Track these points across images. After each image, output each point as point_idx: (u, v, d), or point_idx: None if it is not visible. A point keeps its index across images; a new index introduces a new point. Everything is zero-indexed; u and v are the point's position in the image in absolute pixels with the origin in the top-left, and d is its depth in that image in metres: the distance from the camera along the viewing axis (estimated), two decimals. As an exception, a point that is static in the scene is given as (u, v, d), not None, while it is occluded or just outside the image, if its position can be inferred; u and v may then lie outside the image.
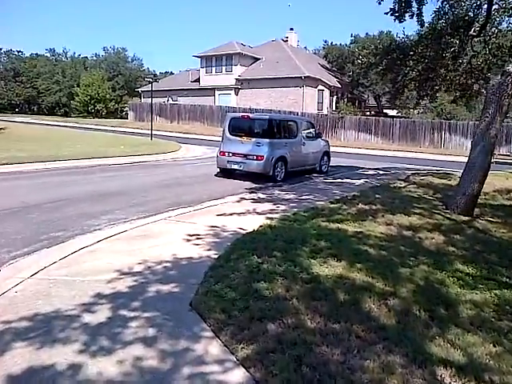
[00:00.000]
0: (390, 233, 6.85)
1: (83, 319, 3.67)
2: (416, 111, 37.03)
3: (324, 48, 51.66)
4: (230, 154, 12.59)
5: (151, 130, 26.21)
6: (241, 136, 12.57)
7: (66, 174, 12.80)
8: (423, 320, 4.00)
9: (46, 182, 11.36)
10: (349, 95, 46.11)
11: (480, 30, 9.25)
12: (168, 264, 5.10)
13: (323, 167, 15.13)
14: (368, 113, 46.97)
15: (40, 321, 3.63)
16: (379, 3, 9.82)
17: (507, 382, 3.08)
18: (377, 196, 9.68)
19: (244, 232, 6.56)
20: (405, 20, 9.97)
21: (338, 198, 9.53)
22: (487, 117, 8.06)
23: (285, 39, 46.90)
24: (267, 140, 12.29)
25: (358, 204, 8.65)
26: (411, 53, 10.19)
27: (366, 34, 48.17)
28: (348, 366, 3.10)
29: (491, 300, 4.42)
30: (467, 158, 8.73)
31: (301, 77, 38.18)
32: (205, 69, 43.78)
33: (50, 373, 2.94)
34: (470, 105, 33.63)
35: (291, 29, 48.50)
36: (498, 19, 9.78)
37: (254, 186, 11.88)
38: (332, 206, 8.49)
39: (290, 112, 34.23)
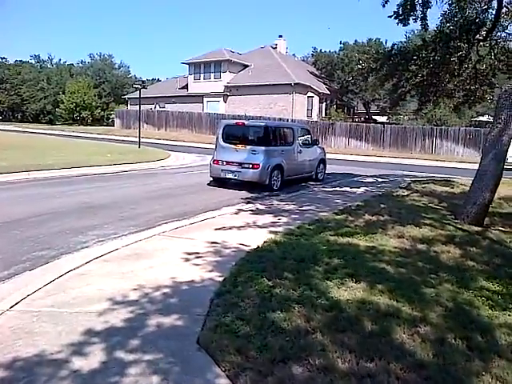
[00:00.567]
0: (403, 246, 6.38)
1: (72, 365, 3.07)
2: (406, 117, 36.87)
3: (313, 55, 51.47)
4: (224, 163, 12.04)
5: (139, 137, 25.51)
6: (235, 144, 12.03)
7: (51, 185, 12.11)
8: (461, 351, 3.55)
9: (29, 194, 10.67)
10: (338, 102, 45.92)
11: (487, 34, 8.91)
12: (167, 290, 4.51)
13: (319, 175, 14.66)
14: (357, 119, 46.86)
15: (20, 369, 3.03)
16: (383, 6, 9.47)
17: None
18: (382, 206, 9.22)
19: (247, 249, 6.01)
20: (409, 24, 9.62)
21: (342, 208, 9.04)
22: (499, 123, 7.66)
23: (274, 46, 46.64)
24: (263, 148, 11.78)
25: (364, 215, 8.16)
26: (414, 57, 9.80)
27: (355, 41, 48.16)
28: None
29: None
30: (478, 166, 8.32)
31: (290, 83, 37.88)
32: (193, 75, 43.24)
33: None
34: (460, 111, 33.69)
35: (280, 36, 48.35)
36: (506, 23, 9.42)
37: (250, 195, 11.35)
38: (337, 217, 7.99)
39: (280, 119, 33.81)
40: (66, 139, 32.62)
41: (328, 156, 16.15)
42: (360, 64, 10.93)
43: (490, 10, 8.90)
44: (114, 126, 48.08)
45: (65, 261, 5.72)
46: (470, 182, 14.84)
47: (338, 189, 12.29)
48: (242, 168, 11.75)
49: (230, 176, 12.06)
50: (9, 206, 9.22)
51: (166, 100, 44.76)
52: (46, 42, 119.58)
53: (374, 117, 48.95)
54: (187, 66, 43.74)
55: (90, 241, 6.78)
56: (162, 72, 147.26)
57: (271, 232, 6.99)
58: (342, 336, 3.56)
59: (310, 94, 40.40)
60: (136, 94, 32.05)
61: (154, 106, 44.70)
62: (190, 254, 5.76)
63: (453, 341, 3.68)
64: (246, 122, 12.87)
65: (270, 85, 38.66)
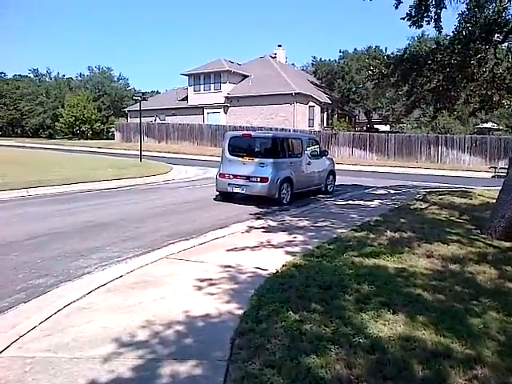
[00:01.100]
0: (435, 267, 5.83)
1: None
2: (410, 126, 36.44)
3: (313, 64, 51.24)
4: (231, 176, 11.51)
5: (140, 150, 25.00)
6: (242, 156, 11.50)
7: (51, 203, 11.57)
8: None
9: (27, 212, 10.13)
10: (339, 111, 45.58)
11: (506, 35, 8.44)
12: (180, 327, 3.95)
13: (329, 187, 14.11)
14: (359, 128, 46.49)
15: None
16: (396, 7, 9.02)
17: None
18: (402, 220, 8.65)
19: (265, 273, 5.45)
20: (422, 26, 9.18)
21: (360, 224, 8.47)
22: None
23: (273, 56, 46.34)
24: (271, 160, 11.25)
25: (386, 231, 7.59)
26: (429, 61, 9.32)
27: (355, 49, 48.07)
28: None
29: None
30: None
31: (291, 93, 37.51)
32: (193, 87, 42.90)
33: None
34: (463, 118, 33.31)
35: (279, 45, 48.02)
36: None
37: (259, 210, 10.79)
38: (357, 234, 7.42)
39: (282, 129, 33.36)
40: (65, 154, 32.14)
41: (334, 167, 15.59)
42: (370, 69, 10.43)
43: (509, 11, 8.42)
44: (114, 139, 47.67)
45: (64, 290, 5.17)
46: (487, 192, 14.60)
47: (350, 202, 11.72)
48: (250, 182, 11.22)
49: (237, 190, 11.52)
50: (3, 226, 8.67)
51: (165, 112, 44.39)
52: (44, 55, 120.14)
53: (375, 126, 48.65)
54: (187, 77, 43.43)
55: (91, 265, 6.25)
56: (161, 84, 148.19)
57: (288, 253, 6.44)
58: (393, 386, 3.00)
59: (311, 103, 40.03)
60: (136, 107, 31.70)
61: (154, 118, 44.31)
62: (202, 280, 5.20)
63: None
64: (252, 134, 12.34)
65: (270, 95, 38.30)
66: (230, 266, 5.77)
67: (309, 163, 12.70)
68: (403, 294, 4.75)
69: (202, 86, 42.39)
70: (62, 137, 59.79)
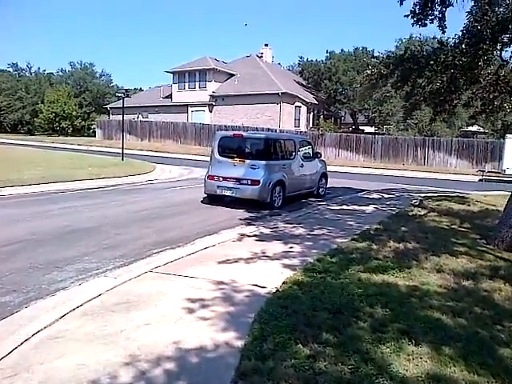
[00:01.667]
0: (448, 285, 5.34)
1: None
2: (396, 128, 36.24)
3: (299, 64, 50.81)
4: (221, 179, 10.87)
5: (122, 148, 24.09)
6: (233, 157, 10.87)
7: (26, 204, 10.78)
8: None
9: (-2, 216, 9.36)
10: (325, 112, 45.22)
11: (512, 37, 8.03)
12: (170, 364, 3.33)
13: (321, 190, 13.57)
14: (345, 129, 46.24)
15: None
16: (401, 4, 8.53)
17: None
18: (403, 229, 8.15)
19: (264, 292, 4.87)
20: (426, 25, 8.70)
21: (359, 232, 7.95)
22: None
23: (259, 55, 45.75)
24: (263, 162, 10.65)
25: (388, 241, 7.07)
26: (431, 62, 8.86)
27: (341, 50, 47.81)
28: None
29: None
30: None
31: (278, 93, 36.99)
32: (177, 85, 42.02)
33: None
34: (450, 121, 33.19)
35: (266, 44, 47.44)
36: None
37: (249, 215, 10.19)
38: (359, 245, 6.88)
39: (268, 129, 32.81)
40: (44, 151, 31.02)
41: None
42: (369, 69, 9.93)
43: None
44: (95, 136, 46.42)
45: (34, 311, 4.50)
46: (483, 197, 14.26)
47: (344, 207, 11.19)
48: (241, 184, 10.60)
49: (226, 193, 10.88)
50: (-28, 232, 7.90)
51: (149, 110, 43.36)
52: (24, 49, 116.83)
53: (361, 127, 48.48)
54: (171, 74, 42.50)
55: (67, 279, 5.58)
56: (144, 81, 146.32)
57: (286, 266, 5.86)
58: None
59: (297, 103, 39.57)
60: (118, 104, 30.79)
61: (136, 115, 43.23)
62: (193, 301, 4.59)
63: None
64: (244, 134, 11.72)
65: (256, 94, 37.71)
66: (223, 283, 5.16)
67: (301, 165, 12.14)
68: (421, 318, 4.23)
69: (186, 84, 41.56)
70: (41, 133, 58.08)
